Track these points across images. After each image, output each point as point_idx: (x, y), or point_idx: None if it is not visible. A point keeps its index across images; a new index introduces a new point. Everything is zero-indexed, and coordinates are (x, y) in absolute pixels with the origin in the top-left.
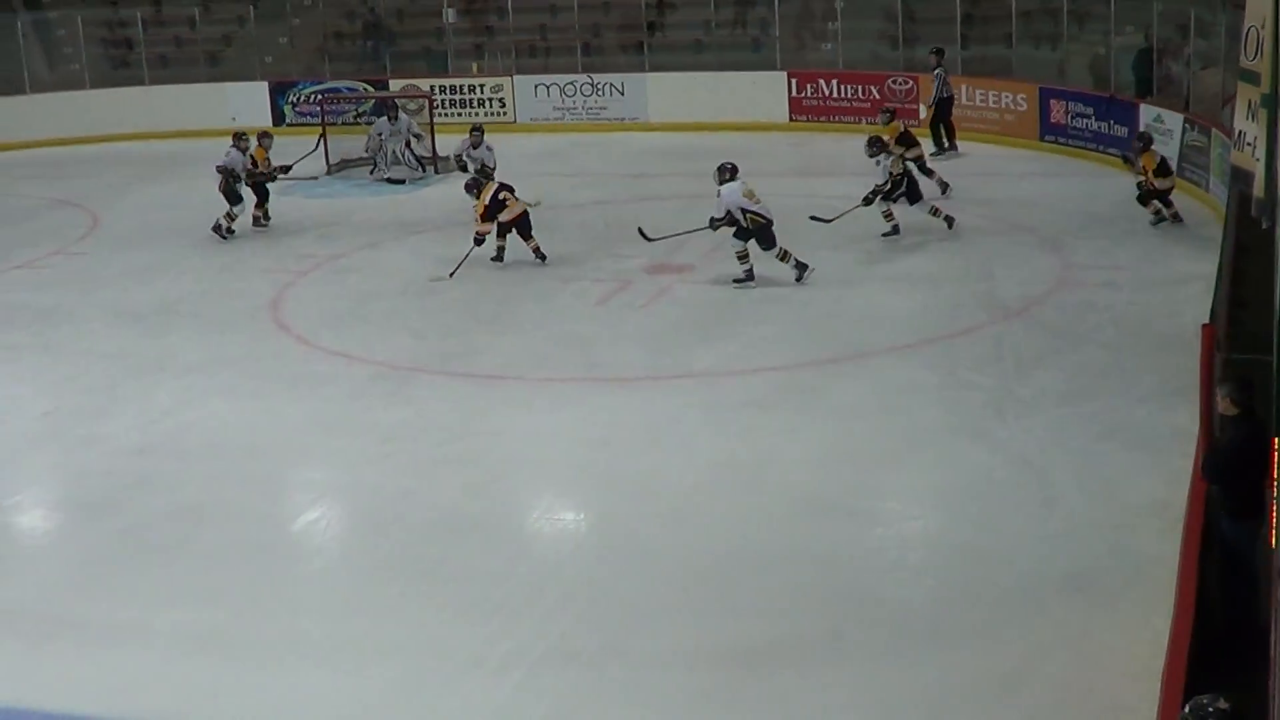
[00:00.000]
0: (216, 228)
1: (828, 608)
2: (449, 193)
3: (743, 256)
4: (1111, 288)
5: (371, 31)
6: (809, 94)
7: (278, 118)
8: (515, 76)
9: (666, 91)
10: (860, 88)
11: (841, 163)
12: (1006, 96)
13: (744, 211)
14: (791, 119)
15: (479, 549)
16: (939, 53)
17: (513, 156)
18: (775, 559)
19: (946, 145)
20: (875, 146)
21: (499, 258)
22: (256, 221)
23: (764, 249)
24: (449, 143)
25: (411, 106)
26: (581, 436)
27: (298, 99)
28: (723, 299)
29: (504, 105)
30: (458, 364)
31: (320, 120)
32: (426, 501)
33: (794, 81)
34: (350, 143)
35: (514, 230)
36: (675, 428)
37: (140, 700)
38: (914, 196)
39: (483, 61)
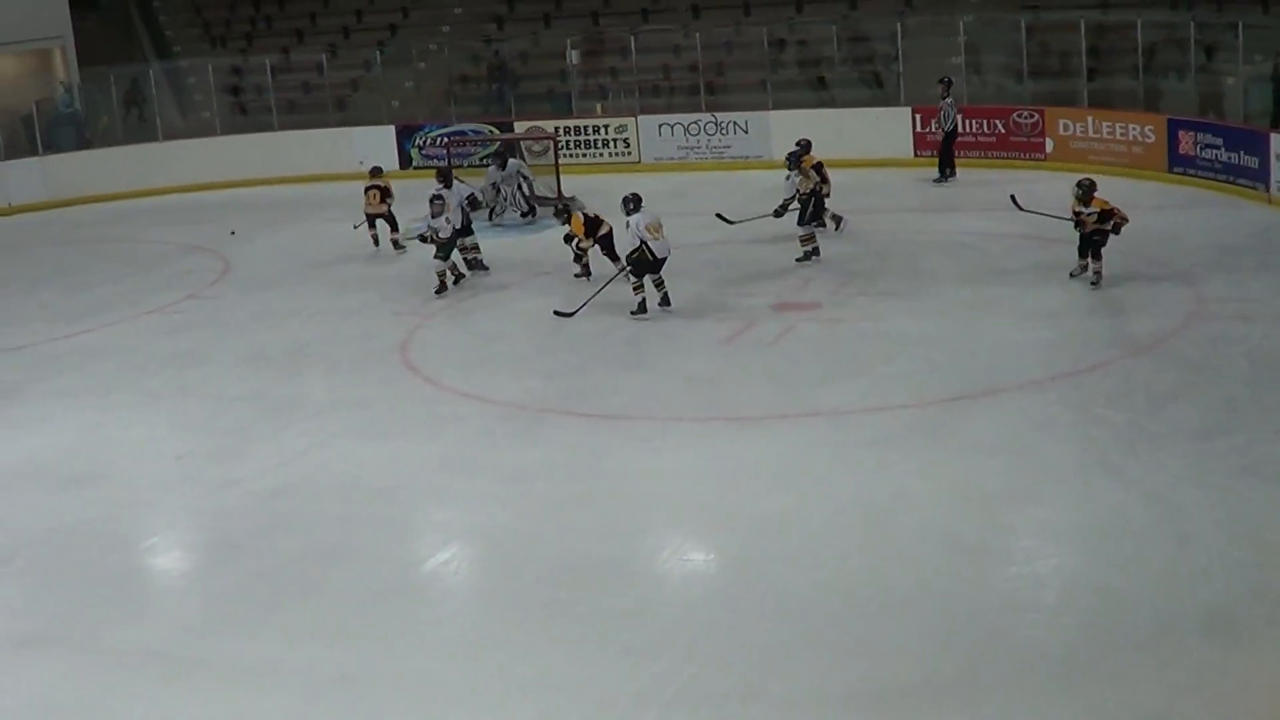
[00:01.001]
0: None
1: (962, 648)
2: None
3: (639, 288)
4: (1245, 321)
5: (496, 75)
6: (933, 129)
7: (404, 161)
8: (639, 116)
9: (790, 129)
10: (985, 122)
11: (966, 198)
12: (1134, 128)
13: (643, 243)
14: (916, 155)
15: (609, 589)
16: (947, 84)
17: None
18: (908, 599)
19: (948, 173)
20: (792, 160)
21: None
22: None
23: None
24: (573, 183)
25: (536, 148)
26: (710, 476)
27: (424, 142)
28: (850, 336)
29: (628, 145)
30: (585, 404)
31: (446, 162)
32: (556, 542)
33: (918, 117)
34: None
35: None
36: (805, 467)
37: None
38: (816, 216)
39: (606, 102)
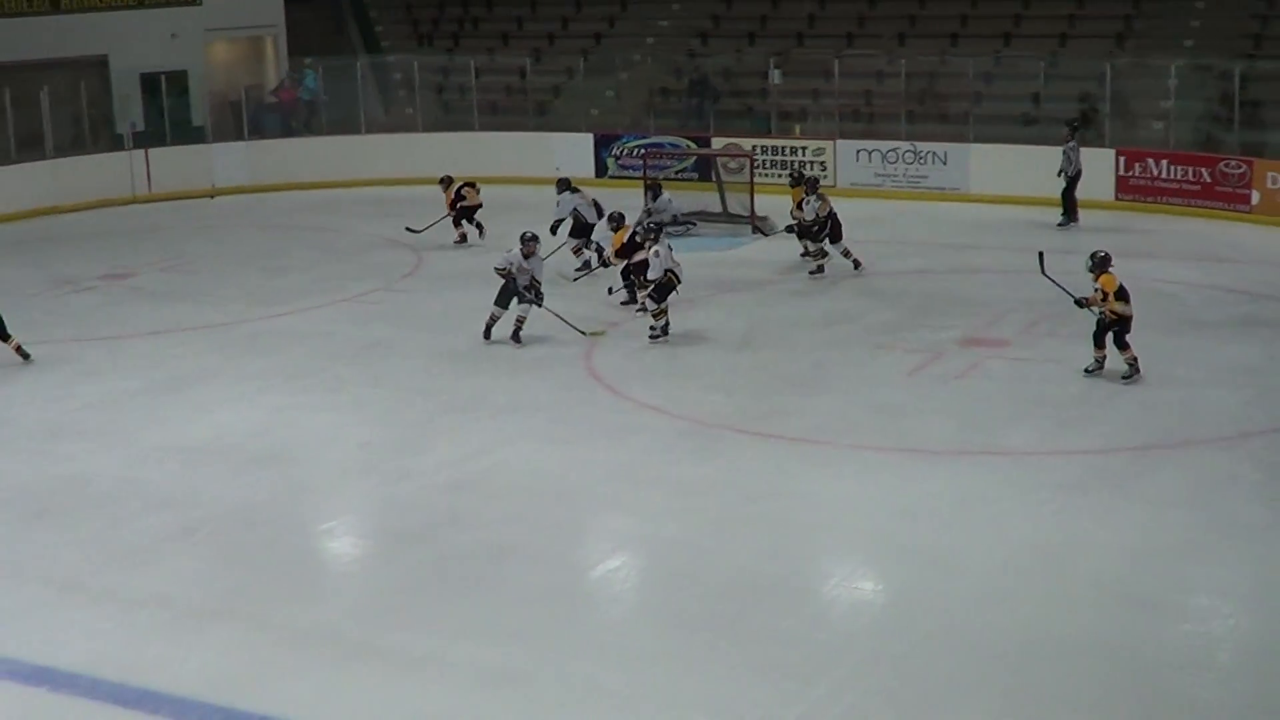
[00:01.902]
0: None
1: (1130, 703)
2: (765, 253)
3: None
4: None
5: (697, 89)
6: (1137, 173)
7: (600, 169)
8: (838, 140)
9: (989, 163)
10: (1191, 169)
11: (1166, 246)
12: None
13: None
14: (1117, 198)
15: (776, 611)
16: (1073, 127)
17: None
18: (1079, 647)
19: (1071, 218)
20: (811, 186)
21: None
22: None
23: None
24: (767, 204)
25: (732, 165)
26: (887, 506)
27: (621, 152)
28: (1036, 377)
29: (825, 169)
30: (766, 424)
31: (642, 173)
32: (726, 559)
33: (1122, 160)
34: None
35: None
36: (983, 505)
37: None
38: (835, 237)
39: (805, 124)
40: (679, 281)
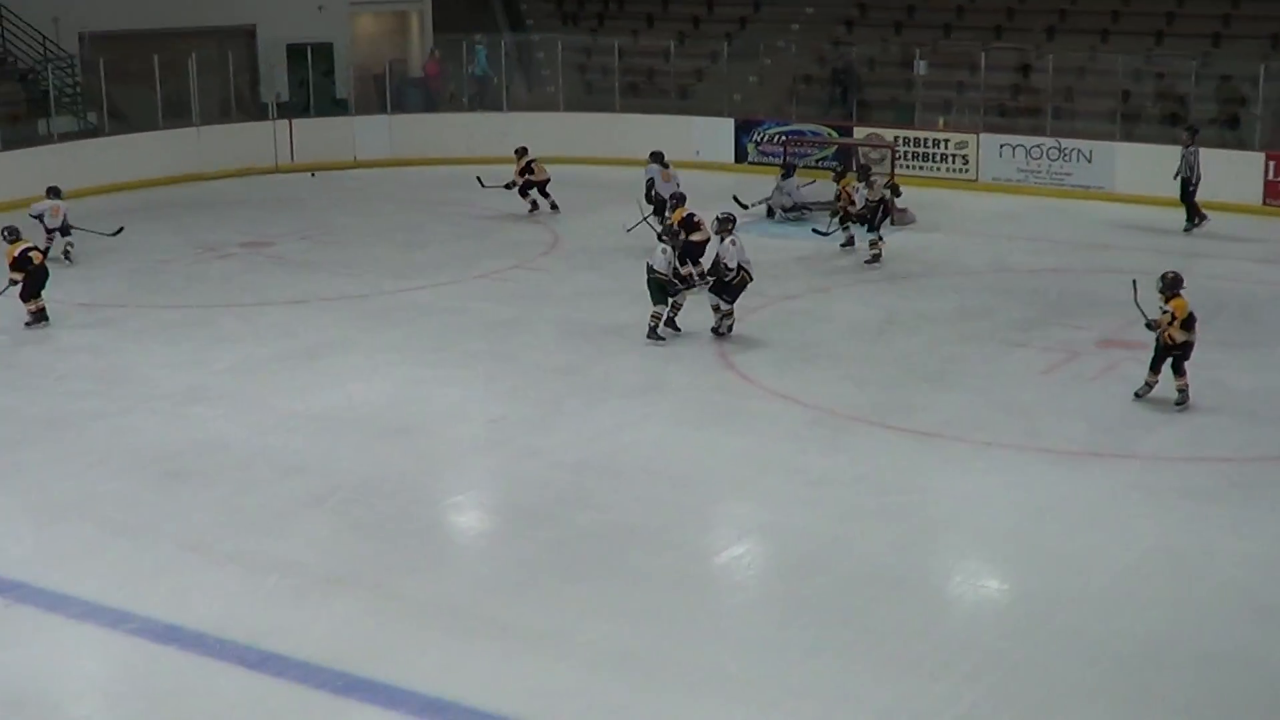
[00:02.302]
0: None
1: (1255, 715)
2: (904, 244)
3: (717, 308)
4: None
5: (841, 77)
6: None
7: (740, 155)
8: (981, 134)
9: (1136, 163)
10: None
11: None
12: None
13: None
14: (1265, 202)
15: (898, 605)
16: (1193, 131)
17: (970, 215)
18: (1205, 657)
19: (1197, 220)
20: (863, 173)
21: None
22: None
23: (729, 301)
24: (907, 195)
25: (874, 155)
26: (1015, 505)
27: (761, 138)
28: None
29: (966, 162)
30: (897, 417)
31: (782, 160)
32: (850, 550)
33: (1272, 164)
34: (806, 186)
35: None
36: (1113, 508)
37: (554, 709)
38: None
39: (949, 116)
40: (751, 279)
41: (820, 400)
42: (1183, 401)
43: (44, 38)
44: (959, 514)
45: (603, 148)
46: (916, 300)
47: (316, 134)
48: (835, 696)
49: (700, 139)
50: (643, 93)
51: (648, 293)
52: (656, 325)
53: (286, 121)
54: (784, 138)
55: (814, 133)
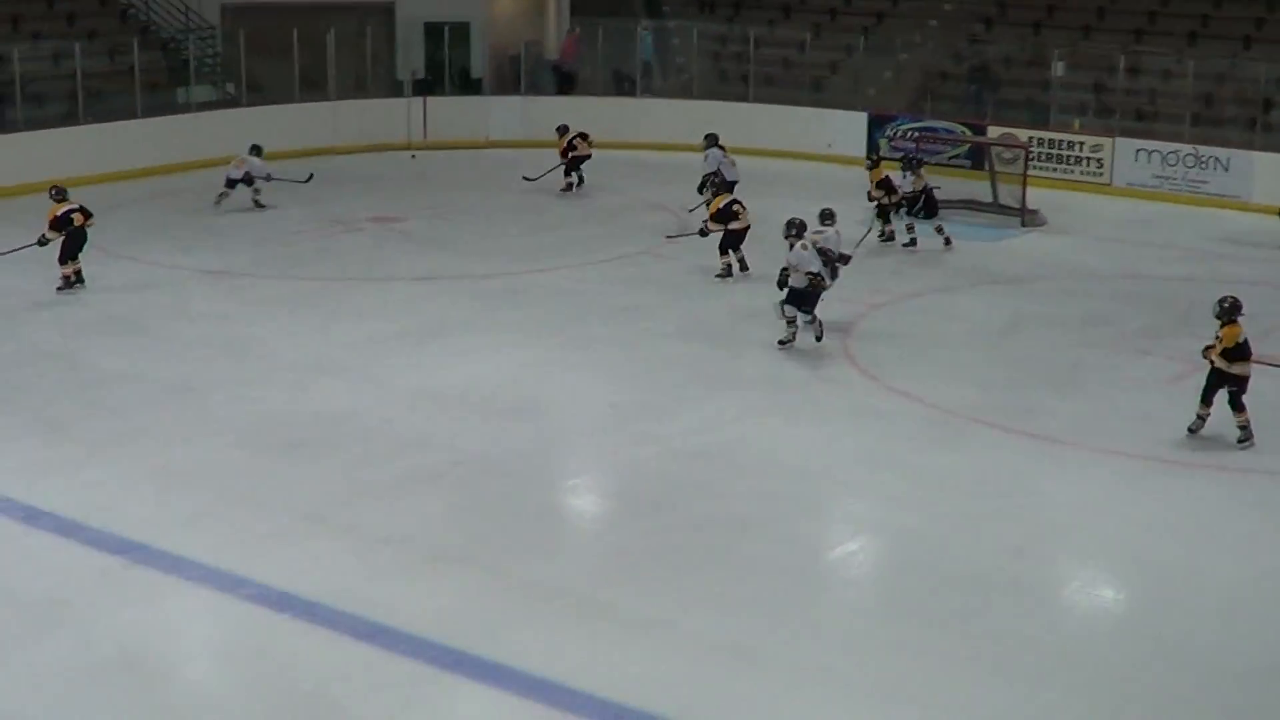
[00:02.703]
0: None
1: None
2: (1033, 246)
3: (792, 320)
4: None
5: (976, 75)
6: None
7: (872, 149)
8: (1117, 138)
9: (1276, 173)
10: None
11: None
12: None
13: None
14: None
15: (1011, 610)
16: None
17: (1102, 219)
18: None
19: None
20: (913, 164)
21: (725, 273)
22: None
23: (805, 311)
24: (1039, 196)
25: (1006, 155)
26: (1133, 515)
27: (894, 134)
28: None
29: (1100, 166)
30: (1017, 421)
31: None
32: (965, 553)
33: None
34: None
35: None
36: (1234, 524)
37: (657, 697)
38: (930, 213)
39: (1085, 119)
40: (826, 285)
41: (941, 400)
42: (1245, 439)
43: (186, 8)
44: (1074, 521)
45: (734, 137)
46: (1043, 303)
47: (450, 112)
48: (939, 700)
49: (832, 133)
50: (776, 83)
51: (779, 307)
52: (793, 337)
53: (421, 99)
54: (917, 134)
55: (947, 130)
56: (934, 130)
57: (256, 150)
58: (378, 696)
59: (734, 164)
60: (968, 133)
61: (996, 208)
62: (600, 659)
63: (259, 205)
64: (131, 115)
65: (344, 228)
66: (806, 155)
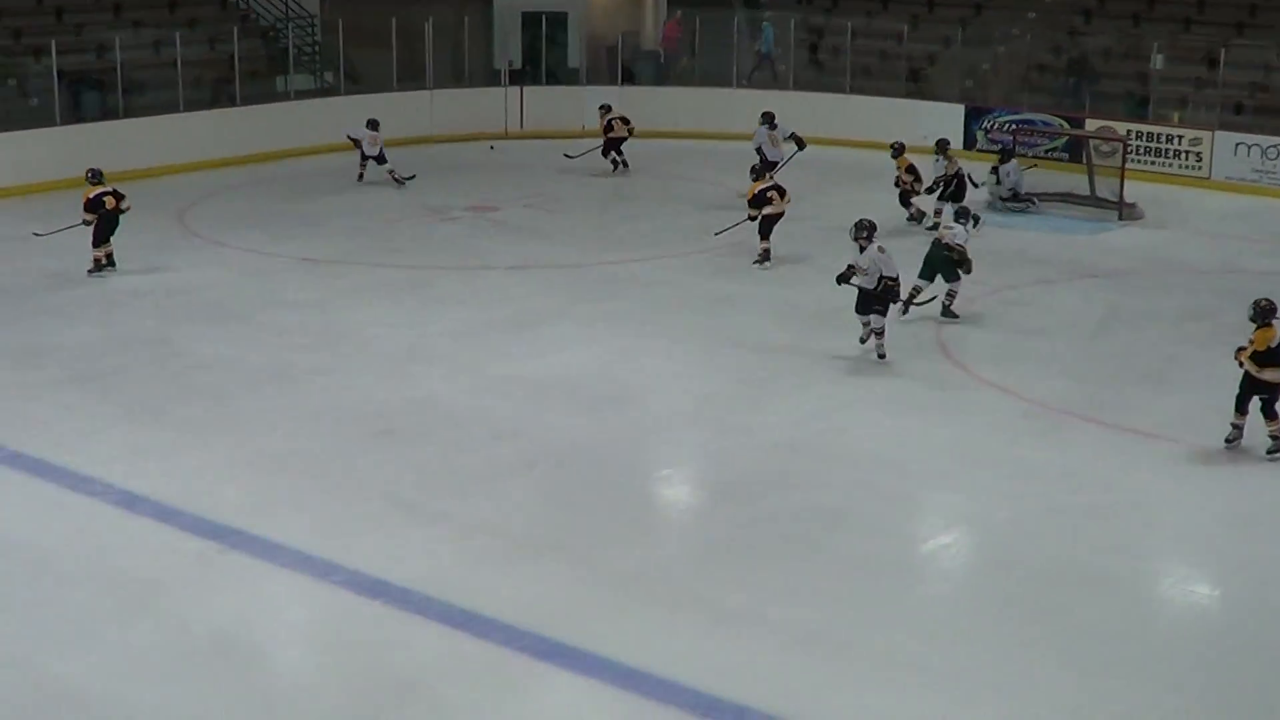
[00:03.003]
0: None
1: None
2: (1131, 240)
3: (867, 325)
4: None
5: (1075, 68)
6: None
7: (969, 142)
8: (1216, 132)
9: None
10: None
11: None
12: None
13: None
14: None
15: (1103, 606)
16: None
17: (1201, 213)
18: None
19: None
20: (942, 146)
21: (763, 259)
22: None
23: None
24: (1137, 190)
25: (1105, 149)
26: (1228, 512)
27: (991, 126)
28: None
29: (1199, 160)
30: (1113, 414)
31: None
32: (1056, 547)
33: None
34: (1035, 177)
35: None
36: None
37: (746, 687)
38: (959, 197)
39: (1184, 112)
40: (893, 296)
41: (1035, 393)
42: (1275, 450)
43: None
44: (1169, 516)
45: (830, 128)
46: (1140, 297)
47: (546, 102)
48: (1030, 694)
49: (929, 124)
50: (873, 75)
51: (929, 266)
52: (911, 299)
53: (518, 89)
54: (1014, 126)
55: (1045, 122)
56: (1032, 123)
57: (373, 125)
58: (468, 684)
59: (778, 142)
60: (1065, 125)
61: (1094, 201)
62: (691, 649)
63: (398, 181)
64: (230, 103)
65: (439, 216)
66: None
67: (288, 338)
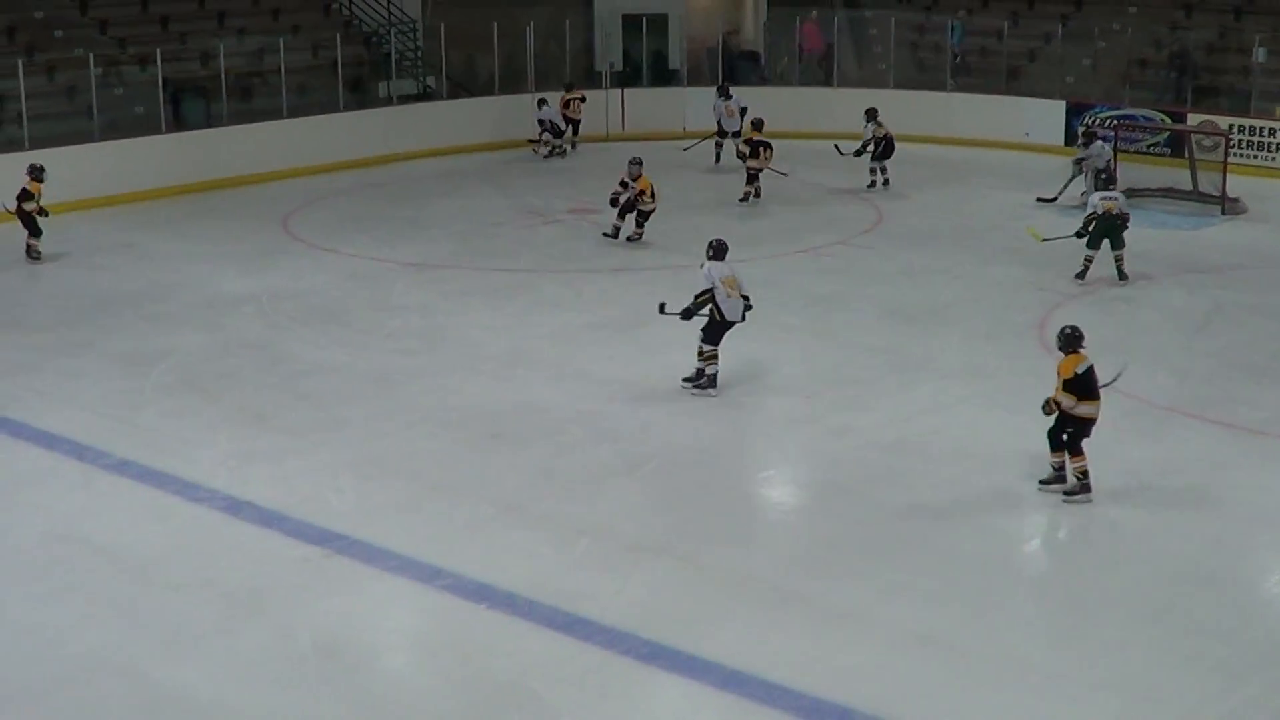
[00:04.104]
0: None
1: None
2: (1234, 234)
3: (710, 358)
4: None
5: (1177, 62)
6: None
7: (1070, 138)
8: None
9: None
10: None
11: None
12: None
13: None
14: None
15: (1211, 602)
16: None
17: None
18: None
19: None
20: (869, 114)
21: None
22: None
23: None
24: (1239, 184)
25: (1207, 143)
26: None
27: (1093, 121)
28: None
29: None
30: (1218, 410)
31: (1113, 145)
32: (1164, 544)
33: None
34: (1136, 172)
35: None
36: None
37: (853, 689)
38: (888, 155)
39: None
40: (721, 317)
41: (1139, 390)
42: (1075, 492)
43: (389, 2)
44: (1275, 513)
45: (931, 126)
46: (1244, 292)
47: (648, 104)
48: (1139, 693)
49: (1030, 121)
50: (974, 72)
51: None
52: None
53: (619, 90)
54: (1115, 121)
55: (1146, 118)
56: (1133, 118)
57: (542, 103)
58: (574, 687)
59: (733, 113)
60: (1167, 120)
61: (1196, 195)
62: (795, 651)
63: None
64: (334, 109)
65: (541, 219)
66: (1003, 144)
67: (394, 342)
